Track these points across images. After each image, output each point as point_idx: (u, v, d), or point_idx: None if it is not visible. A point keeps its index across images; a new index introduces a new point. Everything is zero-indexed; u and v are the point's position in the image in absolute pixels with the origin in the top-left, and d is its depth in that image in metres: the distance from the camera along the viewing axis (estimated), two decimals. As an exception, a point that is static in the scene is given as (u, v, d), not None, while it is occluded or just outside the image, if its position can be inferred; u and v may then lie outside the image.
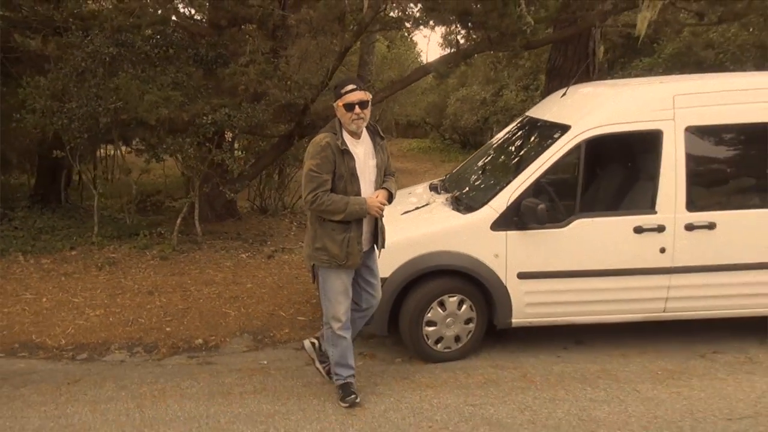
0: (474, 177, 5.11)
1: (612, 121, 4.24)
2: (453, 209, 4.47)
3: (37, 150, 9.20)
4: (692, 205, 4.20)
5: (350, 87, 3.41)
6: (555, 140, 4.26)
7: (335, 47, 8.56)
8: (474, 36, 7.89)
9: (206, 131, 6.70)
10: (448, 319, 4.24)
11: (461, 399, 3.74)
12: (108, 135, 7.51)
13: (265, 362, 4.36)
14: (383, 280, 4.11)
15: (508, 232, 4.15)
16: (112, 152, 12.04)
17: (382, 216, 3.61)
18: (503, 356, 4.40)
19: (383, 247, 3.72)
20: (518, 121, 5.49)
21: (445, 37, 14.30)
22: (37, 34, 7.66)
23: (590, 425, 3.45)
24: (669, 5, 6.63)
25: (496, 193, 4.23)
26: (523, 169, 4.24)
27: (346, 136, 3.46)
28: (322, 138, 3.43)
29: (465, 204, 4.45)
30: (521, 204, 4.08)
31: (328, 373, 3.87)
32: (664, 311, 4.36)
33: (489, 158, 5.33)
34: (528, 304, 4.25)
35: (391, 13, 8.25)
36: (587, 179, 4.55)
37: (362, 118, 3.42)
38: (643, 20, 5.89)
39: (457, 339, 4.31)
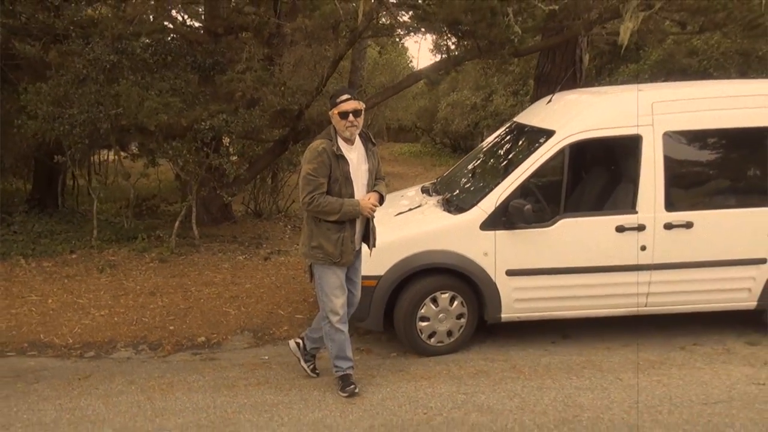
0: (464, 180, 5.35)
1: (594, 127, 4.49)
2: (444, 210, 4.69)
3: (34, 155, 9.33)
4: (671, 205, 4.45)
5: (345, 96, 3.69)
6: (541, 145, 4.50)
7: (329, 55, 8.79)
8: (464, 44, 8.13)
9: (204, 136, 6.88)
10: (441, 315, 4.46)
11: (454, 388, 3.97)
12: (106, 140, 7.67)
13: (266, 357, 4.56)
14: (378, 278, 4.34)
15: (497, 232, 4.38)
16: (106, 157, 12.19)
17: (374, 217, 3.85)
18: (493, 350, 4.63)
19: (374, 246, 3.96)
20: (506, 126, 5.73)
21: (435, 43, 14.57)
22: (37, 41, 7.84)
23: (575, 410, 3.69)
24: (651, 16, 6.90)
25: (485, 195, 4.46)
26: (511, 172, 4.48)
27: (341, 142, 3.71)
28: (318, 144, 3.68)
29: (455, 205, 4.67)
30: (509, 205, 4.31)
31: (313, 371, 4.18)
32: (645, 306, 4.60)
33: (478, 162, 5.57)
34: (516, 300, 4.48)
35: (383, 20, 8.47)
36: (571, 181, 4.80)
37: (356, 125, 3.69)
38: (625, 30, 6.15)
39: (450, 333, 4.53)
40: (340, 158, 3.66)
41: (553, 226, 4.41)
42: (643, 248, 4.44)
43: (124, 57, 6.98)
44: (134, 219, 8.43)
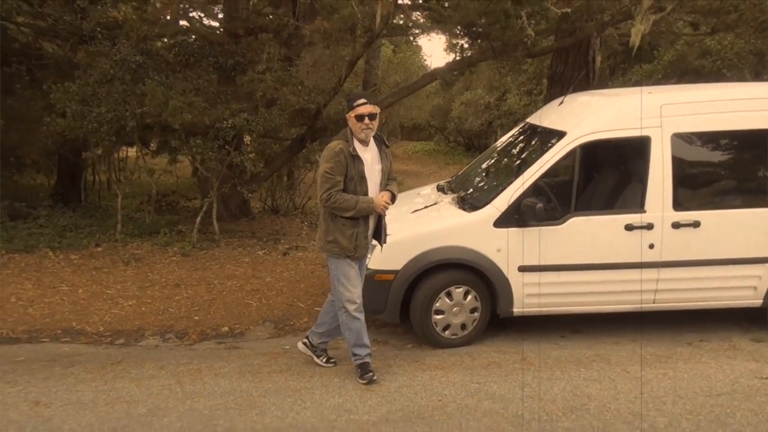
0: (478, 178, 5.53)
1: (604, 128, 4.65)
2: (459, 208, 4.88)
3: (59, 151, 9.62)
4: (678, 205, 4.60)
5: (361, 101, 3.92)
6: (552, 145, 4.67)
7: (346, 55, 8.98)
8: (478, 45, 8.29)
9: (226, 134, 7.11)
10: (455, 309, 4.65)
11: (467, 378, 4.16)
12: (131, 138, 7.92)
13: (288, 347, 4.77)
14: (396, 272, 4.54)
15: (510, 229, 4.55)
16: (126, 154, 12.48)
17: (386, 214, 4.08)
18: (505, 343, 4.81)
19: (385, 242, 4.19)
20: (519, 127, 5.90)
21: (449, 43, 14.70)
22: (65, 42, 8.12)
23: (582, 399, 3.87)
24: (663, 17, 7.00)
25: (499, 194, 4.64)
26: (523, 172, 4.65)
27: (356, 144, 3.95)
28: (335, 144, 3.92)
29: (470, 203, 4.86)
30: (521, 203, 4.49)
31: (328, 361, 4.38)
32: (653, 302, 4.76)
33: (492, 161, 5.74)
34: (528, 295, 4.66)
35: (397, 20, 8.62)
36: (582, 181, 4.98)
37: (371, 128, 3.93)
38: (637, 33, 6.28)
39: (463, 326, 4.71)
40: (356, 158, 3.90)
41: (564, 224, 4.58)
42: (652, 246, 4.59)
43: (149, 58, 7.23)
44: (155, 214, 8.69)
